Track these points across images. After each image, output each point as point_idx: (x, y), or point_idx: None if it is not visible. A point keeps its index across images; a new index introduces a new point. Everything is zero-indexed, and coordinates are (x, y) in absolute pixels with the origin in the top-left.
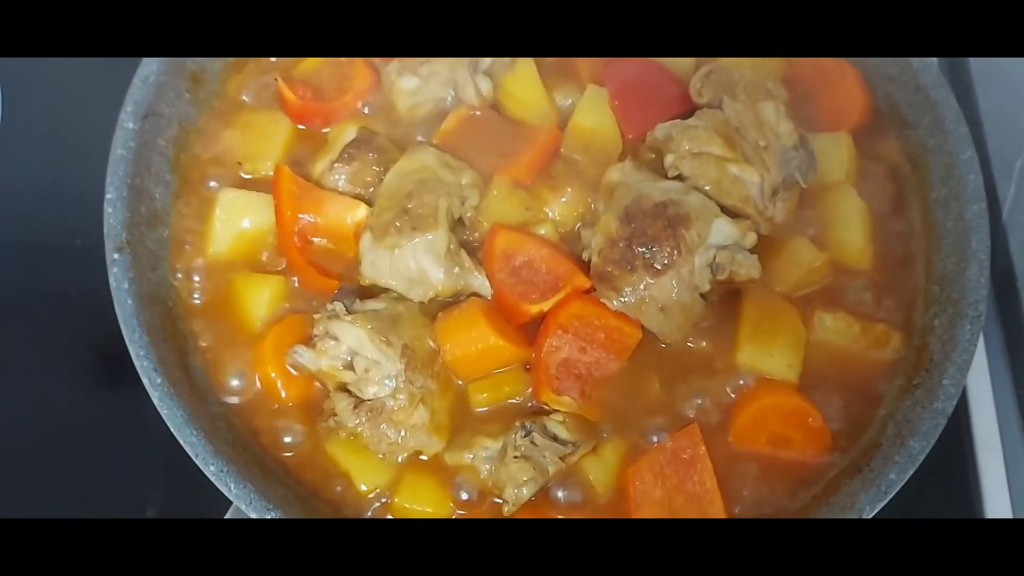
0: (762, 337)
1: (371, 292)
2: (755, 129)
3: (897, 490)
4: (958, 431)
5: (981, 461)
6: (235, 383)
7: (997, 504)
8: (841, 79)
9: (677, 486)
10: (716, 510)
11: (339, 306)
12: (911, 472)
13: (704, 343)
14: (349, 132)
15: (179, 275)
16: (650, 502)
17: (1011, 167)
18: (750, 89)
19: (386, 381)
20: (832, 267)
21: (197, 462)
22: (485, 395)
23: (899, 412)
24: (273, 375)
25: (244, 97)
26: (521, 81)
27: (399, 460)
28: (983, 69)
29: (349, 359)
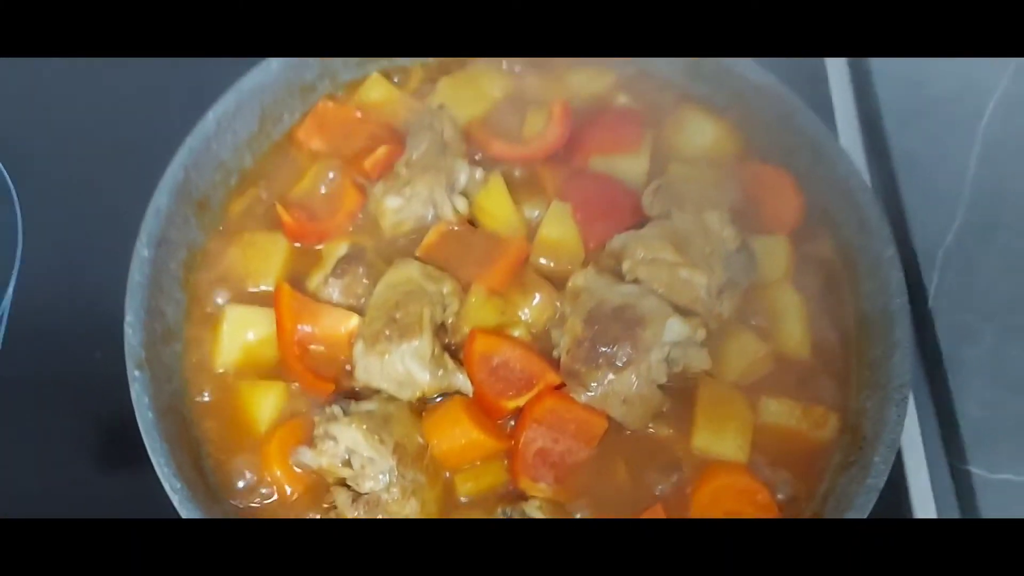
0: (715, 423)
1: (364, 393)
2: (701, 236)
3: None
4: (898, 499)
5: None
6: (242, 484)
7: None
8: (779, 185)
9: None
10: None
11: (336, 409)
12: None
13: (664, 429)
14: (341, 248)
15: (191, 385)
16: None
17: (934, 257)
18: (696, 201)
19: (380, 476)
20: (775, 357)
21: None
22: (469, 484)
23: (838, 487)
24: (279, 473)
25: (243, 220)
26: (493, 198)
27: None
28: (905, 164)
29: (347, 457)
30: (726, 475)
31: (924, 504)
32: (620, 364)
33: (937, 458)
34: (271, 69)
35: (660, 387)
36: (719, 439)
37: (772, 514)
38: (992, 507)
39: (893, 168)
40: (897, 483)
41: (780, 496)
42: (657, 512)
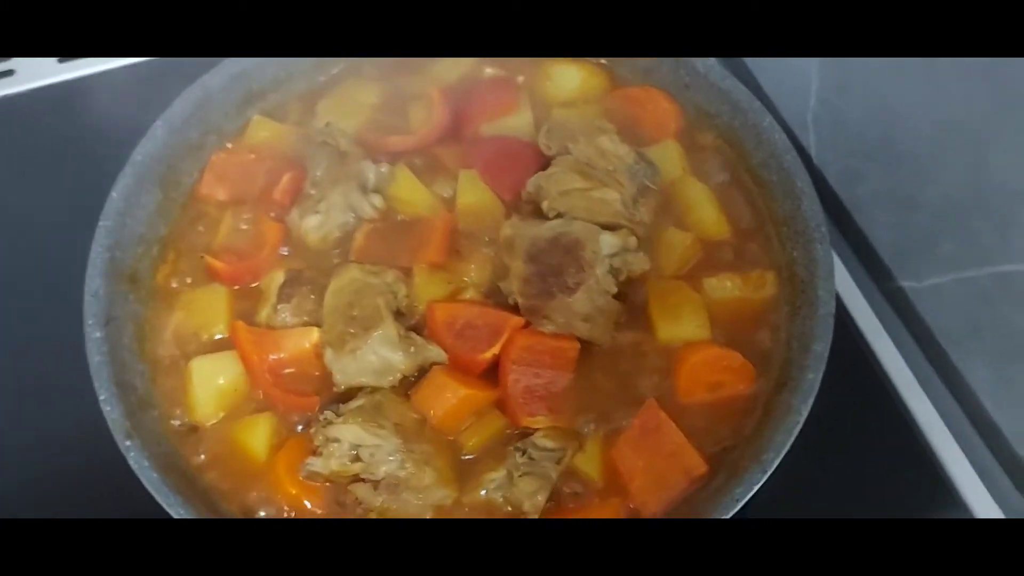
0: (671, 314)
1: (348, 396)
2: (601, 159)
3: (817, 387)
4: (851, 337)
5: (874, 346)
6: (263, 514)
7: (899, 376)
8: (651, 100)
9: (655, 451)
10: (692, 458)
11: (329, 414)
12: (823, 369)
13: (628, 335)
14: (278, 277)
15: (182, 447)
16: (639, 472)
17: (805, 121)
18: (585, 131)
19: (391, 457)
20: (701, 242)
21: None
22: (474, 440)
23: (794, 330)
24: (295, 491)
25: (174, 284)
26: (404, 186)
27: (428, 516)
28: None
29: (355, 453)
30: (697, 353)
31: (873, 330)
32: (572, 286)
33: (869, 289)
34: (157, 136)
35: (614, 298)
36: (680, 326)
37: (748, 372)
38: (932, 312)
39: (744, 61)
40: (844, 321)
41: (750, 355)
42: (651, 406)
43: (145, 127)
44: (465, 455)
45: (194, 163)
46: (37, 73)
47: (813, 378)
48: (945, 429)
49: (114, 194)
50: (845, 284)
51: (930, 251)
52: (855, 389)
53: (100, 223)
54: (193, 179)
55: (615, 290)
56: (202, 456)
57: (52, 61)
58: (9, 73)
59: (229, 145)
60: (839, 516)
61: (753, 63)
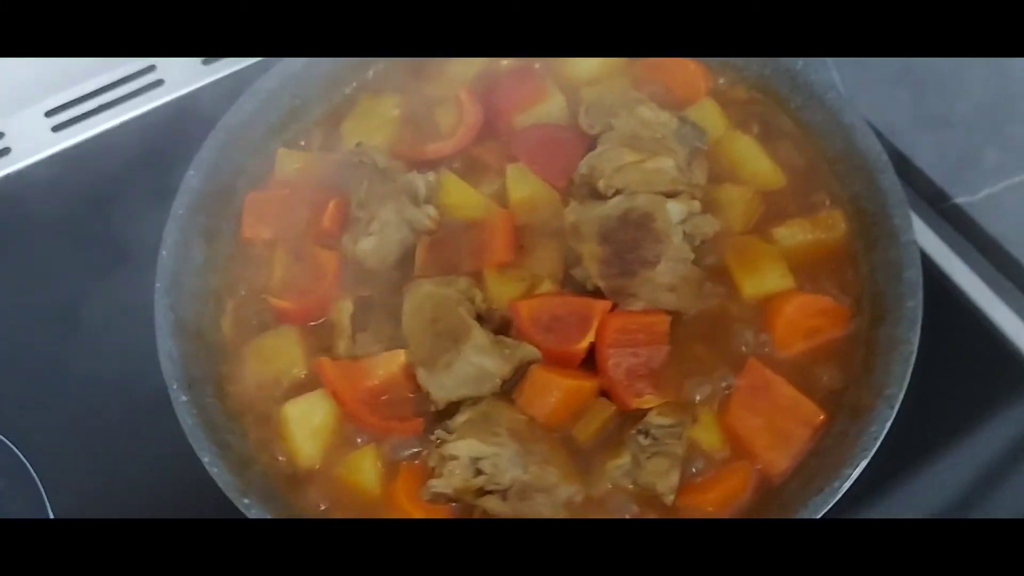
0: (750, 269)
1: (448, 411)
2: (645, 129)
3: (920, 315)
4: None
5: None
6: None
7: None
8: (675, 63)
9: (770, 409)
10: (808, 408)
11: (440, 433)
12: (921, 296)
13: (714, 298)
14: (346, 307)
15: (298, 490)
16: (759, 431)
17: (824, 60)
18: (623, 104)
19: (513, 463)
20: (761, 195)
21: None
22: (587, 431)
23: (875, 263)
24: (419, 515)
25: (240, 333)
26: (454, 192)
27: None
28: None
29: (475, 466)
30: (787, 303)
31: (939, 252)
32: (652, 259)
33: (926, 212)
34: (192, 187)
35: (694, 264)
36: (763, 279)
37: (841, 313)
38: (992, 222)
39: None
40: None
41: (831, 295)
42: (754, 365)
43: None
44: (582, 447)
45: (231, 208)
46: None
47: (914, 305)
48: None
49: (163, 252)
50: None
51: (975, 164)
52: (936, 313)
53: (157, 284)
54: (233, 224)
55: (692, 256)
56: (321, 507)
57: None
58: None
59: (259, 185)
60: (943, 443)
61: None
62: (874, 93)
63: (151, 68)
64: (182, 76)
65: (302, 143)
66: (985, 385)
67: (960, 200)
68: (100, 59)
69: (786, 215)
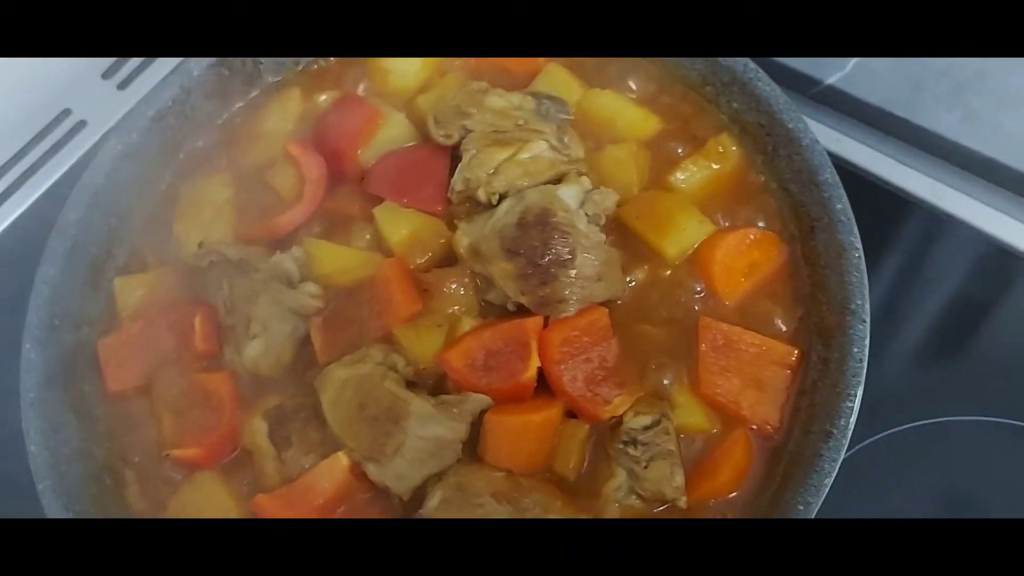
0: (664, 228)
1: (418, 496)
2: (504, 119)
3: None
4: None
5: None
6: None
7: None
8: None
9: (741, 364)
10: (778, 349)
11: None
12: (842, 191)
13: (639, 272)
14: (259, 428)
15: None
16: (741, 392)
17: None
18: (470, 100)
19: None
20: (640, 144)
21: None
22: (571, 462)
23: (782, 174)
24: None
25: (150, 501)
26: (327, 259)
27: None
28: None
29: None
30: (715, 248)
31: (832, 140)
32: (568, 256)
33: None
34: (35, 363)
35: (607, 244)
36: (680, 233)
37: (773, 239)
38: (866, 90)
39: None
40: None
41: (755, 223)
42: (707, 324)
43: None
44: (571, 477)
45: (86, 366)
46: None
47: (843, 207)
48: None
49: (32, 448)
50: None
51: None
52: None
53: (39, 487)
54: (95, 384)
55: (603, 237)
56: None
57: None
58: None
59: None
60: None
61: None
62: None
63: None
64: None
65: (134, 266)
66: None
67: (832, 80)
68: None
69: (675, 158)
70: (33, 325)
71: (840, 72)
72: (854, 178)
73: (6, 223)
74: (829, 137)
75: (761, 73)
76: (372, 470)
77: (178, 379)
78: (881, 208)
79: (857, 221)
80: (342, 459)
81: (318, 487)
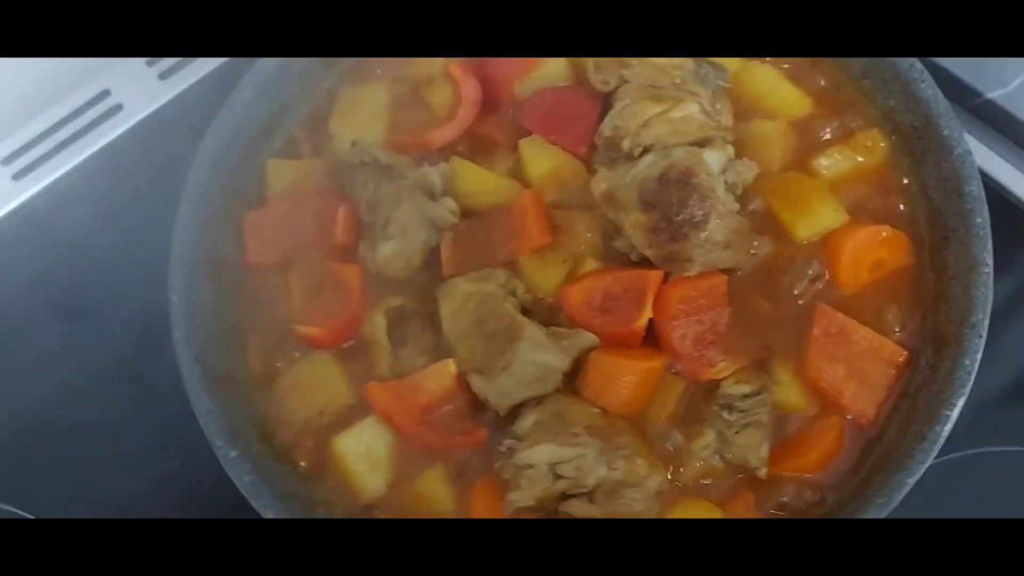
0: (799, 209)
1: (511, 414)
2: (662, 75)
3: (989, 228)
4: None
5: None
6: None
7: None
8: None
9: (850, 355)
10: (888, 348)
11: (510, 442)
12: (985, 205)
13: (766, 246)
14: (379, 323)
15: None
16: (842, 381)
17: None
18: None
19: (597, 463)
20: (792, 125)
21: None
22: (663, 413)
23: (927, 178)
24: None
25: (271, 368)
26: (469, 179)
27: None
28: None
29: (554, 472)
30: (846, 239)
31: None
32: (701, 218)
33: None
34: (187, 220)
35: (739, 214)
36: (815, 218)
37: (903, 240)
38: None
39: None
40: None
41: (894, 220)
42: (824, 311)
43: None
44: (660, 430)
45: (231, 235)
46: None
47: (982, 222)
48: None
49: (174, 298)
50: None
51: None
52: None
53: (175, 334)
54: (237, 252)
55: (738, 207)
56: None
57: None
58: None
59: (254, 204)
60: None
61: None
62: None
63: (106, 93)
64: (139, 98)
65: (289, 153)
66: None
67: (993, 95)
68: (50, 93)
69: (821, 144)
70: (193, 189)
71: (1003, 88)
72: (995, 196)
73: (23, 197)
74: (978, 151)
75: (926, 75)
76: (477, 382)
77: (314, 263)
78: (1017, 232)
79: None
80: (451, 366)
81: (425, 387)
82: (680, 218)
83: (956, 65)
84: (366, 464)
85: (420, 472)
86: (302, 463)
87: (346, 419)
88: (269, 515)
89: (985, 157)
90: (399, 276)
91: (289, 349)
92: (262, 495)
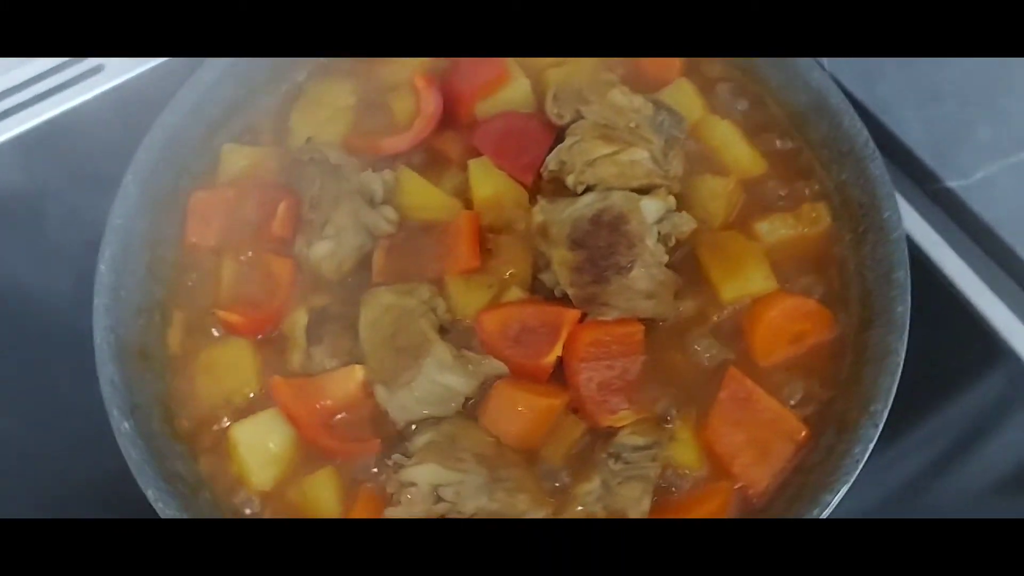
0: (730, 270)
1: (410, 431)
2: (618, 116)
3: (908, 318)
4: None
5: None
6: None
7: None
8: None
9: (751, 423)
10: (791, 423)
11: (398, 457)
12: (908, 294)
13: (691, 302)
14: (301, 319)
15: (243, 512)
16: (739, 448)
17: None
18: (594, 88)
19: (479, 491)
20: (741, 184)
21: None
22: (559, 452)
23: (864, 258)
24: None
25: (187, 349)
26: (413, 191)
27: None
28: None
29: (436, 494)
30: (770, 307)
31: (928, 239)
32: (626, 265)
33: (915, 195)
34: (130, 193)
35: (668, 267)
36: (743, 281)
37: (826, 316)
38: (987, 206)
39: None
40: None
41: (817, 294)
42: (734, 375)
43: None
44: (551, 468)
45: (174, 213)
46: None
47: (903, 311)
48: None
49: (102, 267)
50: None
51: (967, 141)
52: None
53: (96, 301)
54: (177, 229)
55: (667, 258)
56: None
57: None
58: None
59: (204, 184)
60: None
61: None
62: (859, 64)
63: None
64: (123, 62)
65: (246, 139)
66: (973, 376)
67: (952, 184)
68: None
69: (767, 207)
70: (140, 161)
71: (964, 180)
72: (940, 288)
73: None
74: (928, 238)
75: (877, 154)
76: (381, 393)
77: (248, 251)
78: (957, 330)
79: (931, 331)
80: (358, 372)
81: (329, 389)
82: (605, 262)
83: (922, 147)
84: (258, 456)
85: (309, 472)
86: (194, 452)
87: (249, 408)
88: (150, 494)
89: (935, 245)
90: (330, 277)
91: (210, 331)
92: (146, 473)
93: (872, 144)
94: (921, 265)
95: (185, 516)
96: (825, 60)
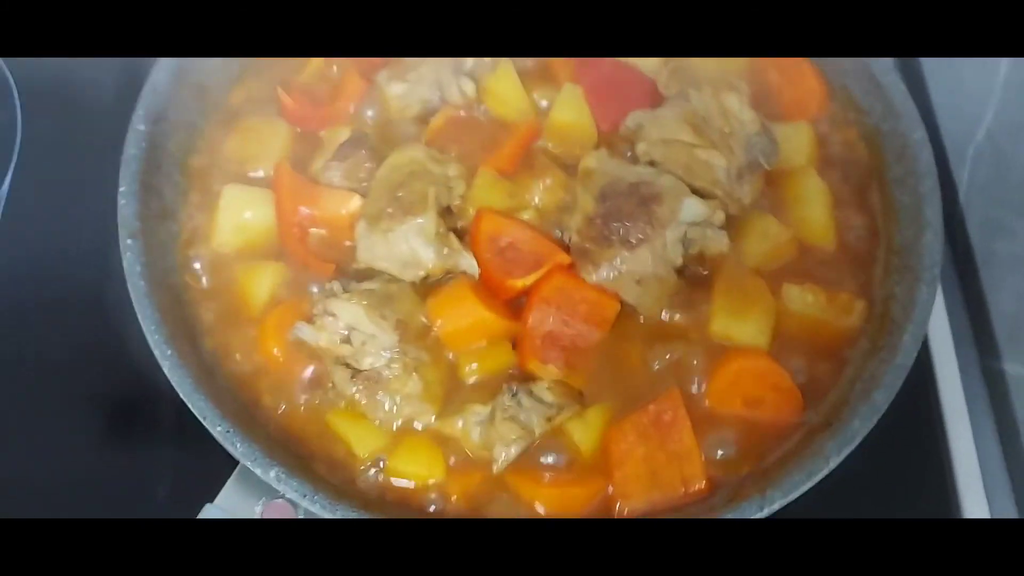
0: (735, 308)
1: (366, 275)
2: (720, 117)
3: (858, 441)
4: (927, 404)
5: (949, 426)
6: (239, 358)
7: (964, 465)
8: (799, 73)
9: (659, 445)
10: (694, 469)
11: (336, 285)
12: (875, 420)
13: (678, 316)
14: (343, 133)
15: (189, 264)
16: (632, 460)
17: (964, 153)
18: (714, 82)
19: (382, 352)
20: (797, 244)
21: (205, 424)
22: (475, 366)
23: (865, 372)
24: (276, 351)
25: (241, 107)
26: (502, 82)
27: (394, 428)
28: (933, 66)
29: (347, 334)
30: (745, 359)
31: (954, 404)
32: (634, 241)
33: (967, 356)
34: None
35: (676, 271)
36: (739, 324)
37: (794, 400)
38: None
39: (920, 67)
40: (926, 382)
41: (800, 379)
42: (674, 396)
43: None
44: (461, 378)
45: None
46: None
47: (859, 427)
48: None
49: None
50: (942, 346)
51: None
52: (911, 463)
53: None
54: None
55: (680, 262)
56: (204, 283)
57: None
58: None
59: None
60: None
61: (929, 67)
62: (996, 213)
63: None
64: None
65: None
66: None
67: (1009, 367)
68: None
69: (808, 277)
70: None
71: (1022, 367)
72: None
73: None
74: (952, 404)
75: (935, 283)
76: (361, 226)
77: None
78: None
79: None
80: (354, 201)
81: (323, 201)
82: (616, 226)
83: (1002, 318)
84: (232, 218)
85: (262, 259)
86: (188, 187)
87: (252, 182)
88: (121, 189)
89: (956, 412)
90: (390, 113)
91: (266, 105)
92: (131, 172)
93: (936, 271)
94: (931, 427)
95: (136, 224)
96: (963, 188)
